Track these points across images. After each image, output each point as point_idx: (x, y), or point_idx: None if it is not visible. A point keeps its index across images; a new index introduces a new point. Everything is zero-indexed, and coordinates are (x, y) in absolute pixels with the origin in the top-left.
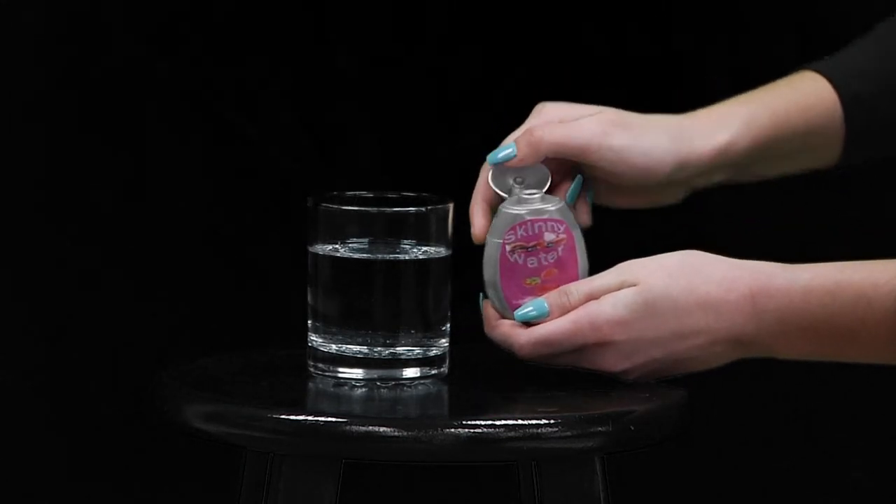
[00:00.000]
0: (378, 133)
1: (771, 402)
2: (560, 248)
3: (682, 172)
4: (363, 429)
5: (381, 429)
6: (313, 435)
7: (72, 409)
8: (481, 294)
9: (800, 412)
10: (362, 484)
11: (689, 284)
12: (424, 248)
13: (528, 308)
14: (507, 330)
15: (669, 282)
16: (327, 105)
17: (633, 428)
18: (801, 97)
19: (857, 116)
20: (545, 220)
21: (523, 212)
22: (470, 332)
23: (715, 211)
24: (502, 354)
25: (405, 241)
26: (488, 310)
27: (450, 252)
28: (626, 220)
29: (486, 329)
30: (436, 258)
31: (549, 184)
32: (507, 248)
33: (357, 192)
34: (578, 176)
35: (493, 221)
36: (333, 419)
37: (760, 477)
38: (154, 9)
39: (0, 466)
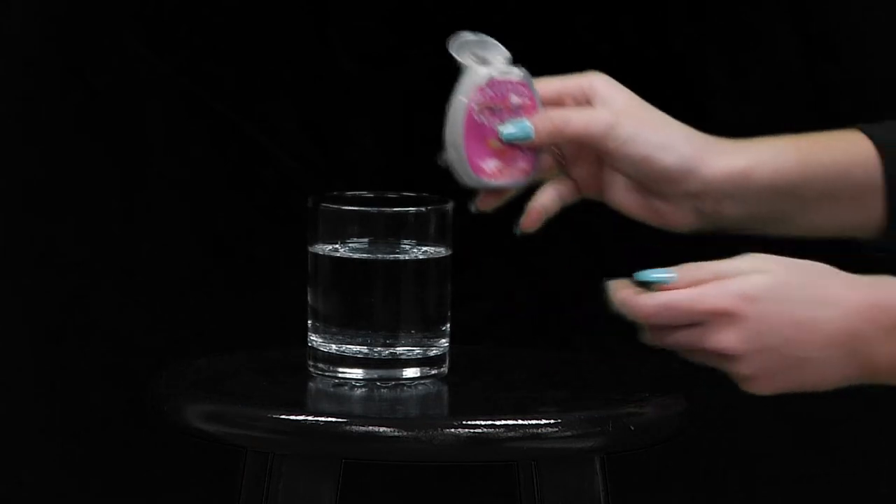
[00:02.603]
0: (378, 133)
1: (770, 403)
2: (524, 115)
3: (688, 184)
4: (363, 429)
5: (381, 429)
6: (313, 435)
7: (71, 409)
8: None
9: (800, 413)
10: (362, 484)
11: (817, 280)
12: (424, 248)
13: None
14: (625, 295)
15: (801, 273)
16: (327, 105)
17: (632, 428)
18: (835, 140)
19: None
20: (512, 83)
21: (493, 72)
22: (470, 332)
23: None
24: (503, 354)
25: (405, 241)
26: (615, 284)
27: (450, 252)
28: (621, 232)
29: (610, 296)
30: (436, 258)
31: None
32: (475, 107)
33: (357, 192)
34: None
35: (460, 79)
36: (333, 419)
37: (759, 478)
38: (154, 8)
39: None
